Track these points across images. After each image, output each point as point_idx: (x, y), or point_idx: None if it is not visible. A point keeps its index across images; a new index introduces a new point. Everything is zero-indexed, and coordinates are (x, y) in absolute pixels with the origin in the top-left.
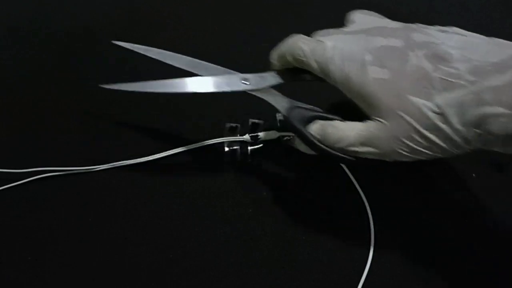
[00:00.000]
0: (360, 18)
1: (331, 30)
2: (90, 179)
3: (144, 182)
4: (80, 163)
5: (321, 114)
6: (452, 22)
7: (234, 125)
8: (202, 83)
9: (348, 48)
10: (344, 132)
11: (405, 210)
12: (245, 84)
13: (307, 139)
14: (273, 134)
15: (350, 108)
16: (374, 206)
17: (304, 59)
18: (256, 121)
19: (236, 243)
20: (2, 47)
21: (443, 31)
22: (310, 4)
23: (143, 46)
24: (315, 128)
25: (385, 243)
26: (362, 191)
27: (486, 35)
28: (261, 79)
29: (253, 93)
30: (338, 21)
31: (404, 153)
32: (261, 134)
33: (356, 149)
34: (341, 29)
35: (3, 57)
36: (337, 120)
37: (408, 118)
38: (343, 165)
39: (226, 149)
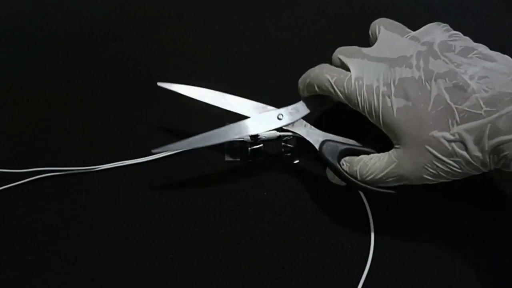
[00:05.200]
0: (383, 36)
1: (354, 51)
2: (90, 179)
3: (144, 182)
4: (80, 163)
5: (352, 147)
6: (452, 22)
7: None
8: (244, 128)
9: (372, 79)
10: (371, 166)
11: (405, 210)
12: (280, 120)
13: (338, 173)
14: (273, 134)
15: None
16: (374, 206)
17: (331, 90)
18: None
19: (236, 243)
20: (2, 47)
21: (465, 55)
22: (311, 4)
23: (186, 86)
24: (345, 166)
25: (385, 243)
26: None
27: (486, 35)
28: (294, 111)
29: (288, 128)
30: (338, 22)
31: (426, 177)
32: (261, 134)
33: (386, 181)
34: (365, 51)
35: (3, 57)
36: (366, 151)
37: (429, 148)
38: None
39: (226, 149)
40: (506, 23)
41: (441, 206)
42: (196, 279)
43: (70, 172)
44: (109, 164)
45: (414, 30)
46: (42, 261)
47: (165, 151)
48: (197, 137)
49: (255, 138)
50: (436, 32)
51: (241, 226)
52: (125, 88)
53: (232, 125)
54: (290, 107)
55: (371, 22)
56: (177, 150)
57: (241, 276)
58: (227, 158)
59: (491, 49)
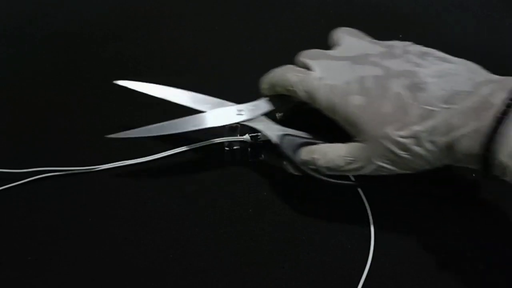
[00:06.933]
0: (346, 40)
1: (318, 53)
2: (90, 179)
3: (144, 182)
4: (80, 163)
5: (310, 140)
6: (452, 22)
7: (234, 125)
8: (202, 120)
9: (334, 78)
10: (330, 155)
11: (405, 210)
12: (240, 115)
13: (297, 166)
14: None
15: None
16: (374, 206)
17: (294, 89)
18: None
19: (236, 243)
20: (2, 47)
21: (423, 57)
22: (311, 4)
23: (145, 84)
24: (304, 155)
25: (385, 243)
26: (362, 191)
27: (486, 35)
28: (254, 108)
29: (247, 123)
30: (338, 22)
31: (381, 170)
32: (261, 134)
33: (344, 168)
34: (328, 53)
35: (3, 57)
36: (323, 144)
37: (385, 142)
38: None
39: (226, 149)
40: (506, 23)
41: (441, 206)
42: (196, 279)
43: (70, 172)
44: (109, 164)
45: (415, 30)
46: (42, 261)
47: (122, 136)
48: (156, 125)
49: (255, 138)
50: (396, 42)
51: (241, 226)
52: (125, 88)
53: (190, 117)
54: (250, 104)
55: (371, 22)
56: (134, 136)
57: (241, 276)
58: (227, 158)
59: (492, 48)
